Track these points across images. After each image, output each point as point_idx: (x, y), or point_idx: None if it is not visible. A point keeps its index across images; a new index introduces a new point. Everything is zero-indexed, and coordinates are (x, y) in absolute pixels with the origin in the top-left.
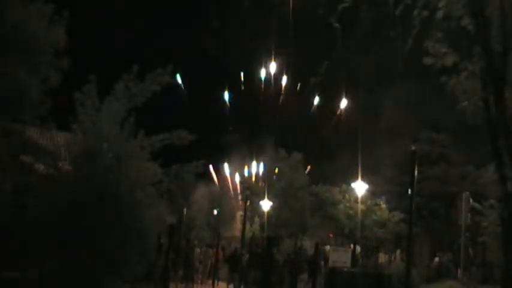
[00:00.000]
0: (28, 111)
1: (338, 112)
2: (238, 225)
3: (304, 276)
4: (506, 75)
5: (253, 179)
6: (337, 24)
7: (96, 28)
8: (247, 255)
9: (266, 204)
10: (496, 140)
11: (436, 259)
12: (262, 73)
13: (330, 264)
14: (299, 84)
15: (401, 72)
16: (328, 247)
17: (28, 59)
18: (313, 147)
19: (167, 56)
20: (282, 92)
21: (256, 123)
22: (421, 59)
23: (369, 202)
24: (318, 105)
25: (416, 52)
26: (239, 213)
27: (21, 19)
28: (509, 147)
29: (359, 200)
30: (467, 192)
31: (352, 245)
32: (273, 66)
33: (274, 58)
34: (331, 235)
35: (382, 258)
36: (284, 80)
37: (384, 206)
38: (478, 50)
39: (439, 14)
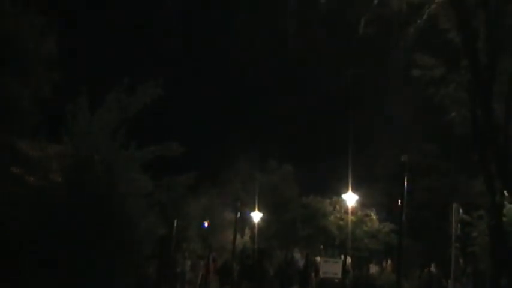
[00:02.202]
0: (19, 122)
1: None
2: (229, 236)
3: (295, 287)
4: (494, 87)
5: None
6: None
7: (87, 39)
8: (238, 267)
9: (256, 216)
10: (484, 151)
11: (432, 269)
12: None
13: (321, 275)
14: None
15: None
16: (318, 258)
17: (19, 70)
18: (304, 156)
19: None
20: None
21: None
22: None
23: (359, 213)
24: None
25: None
26: (230, 225)
27: (12, 30)
28: (497, 158)
29: (349, 211)
30: (458, 203)
31: (342, 256)
32: None
33: None
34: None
35: (373, 269)
36: None
37: (374, 216)
38: (466, 62)
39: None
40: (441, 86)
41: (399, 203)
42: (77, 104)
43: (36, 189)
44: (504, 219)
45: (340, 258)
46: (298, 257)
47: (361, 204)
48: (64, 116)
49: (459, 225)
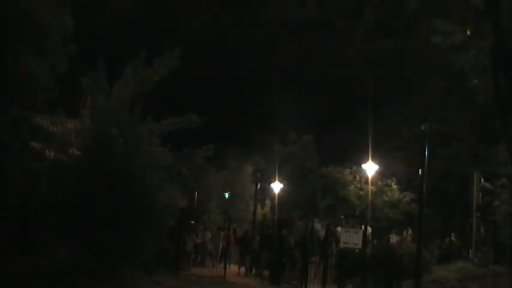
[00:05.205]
0: (37, 98)
1: None
2: (250, 207)
3: (316, 257)
4: None
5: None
6: None
7: (104, 13)
8: (258, 238)
9: (277, 186)
10: (506, 118)
11: (452, 238)
12: None
13: (341, 245)
14: None
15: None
16: (339, 228)
17: (36, 46)
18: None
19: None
20: None
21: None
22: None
23: (379, 183)
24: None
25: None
26: (251, 196)
27: (28, 5)
28: None
29: (369, 180)
30: (479, 172)
31: (363, 226)
32: None
33: None
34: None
35: (394, 238)
36: None
37: (394, 186)
38: (488, 26)
39: None
40: (462, 52)
41: (419, 172)
42: (94, 78)
43: (56, 163)
44: None
45: (361, 228)
46: (319, 227)
47: (381, 173)
48: (82, 90)
49: (480, 194)
